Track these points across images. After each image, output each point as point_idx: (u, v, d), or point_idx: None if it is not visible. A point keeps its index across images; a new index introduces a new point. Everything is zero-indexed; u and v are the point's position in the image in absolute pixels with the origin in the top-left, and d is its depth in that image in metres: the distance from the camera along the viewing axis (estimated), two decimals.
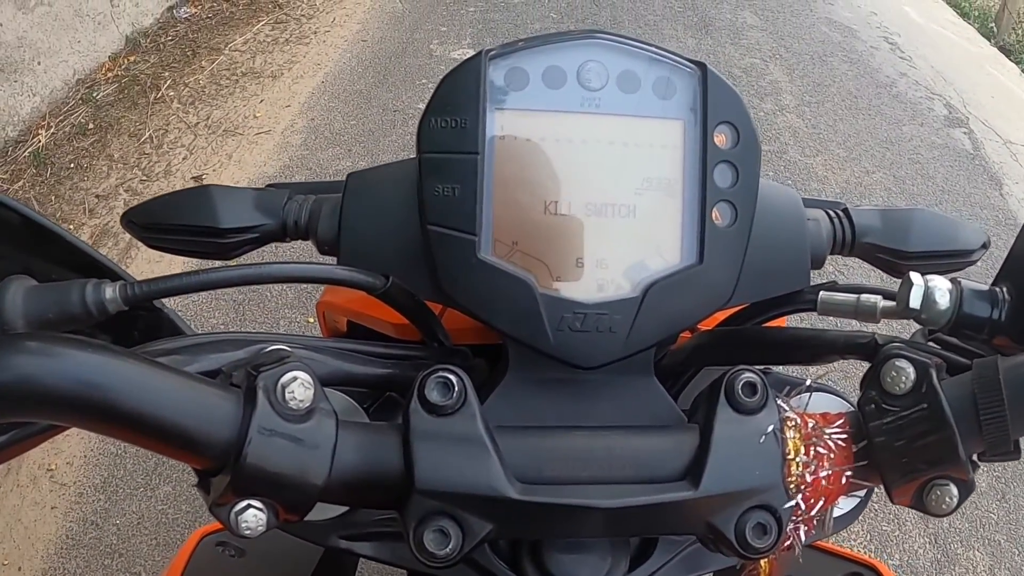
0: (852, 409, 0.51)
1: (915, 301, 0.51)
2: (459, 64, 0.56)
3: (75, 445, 2.25)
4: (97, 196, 3.24)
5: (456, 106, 0.55)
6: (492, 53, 0.56)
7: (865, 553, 1.95)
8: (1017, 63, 4.77)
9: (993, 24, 5.30)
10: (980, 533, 2.08)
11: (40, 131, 3.50)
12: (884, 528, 2.08)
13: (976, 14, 5.43)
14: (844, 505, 0.63)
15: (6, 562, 2.01)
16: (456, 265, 0.55)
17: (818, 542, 0.96)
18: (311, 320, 2.62)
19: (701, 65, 0.57)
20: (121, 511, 2.12)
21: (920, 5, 5.33)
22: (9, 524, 2.09)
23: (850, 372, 2.22)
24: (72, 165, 3.40)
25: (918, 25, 4.97)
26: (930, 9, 5.33)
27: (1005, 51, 4.96)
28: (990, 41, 5.06)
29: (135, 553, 2.03)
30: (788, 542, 0.50)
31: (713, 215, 0.56)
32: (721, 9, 4.88)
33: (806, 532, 0.50)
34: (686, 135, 0.56)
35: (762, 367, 0.68)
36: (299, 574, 0.91)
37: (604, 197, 0.56)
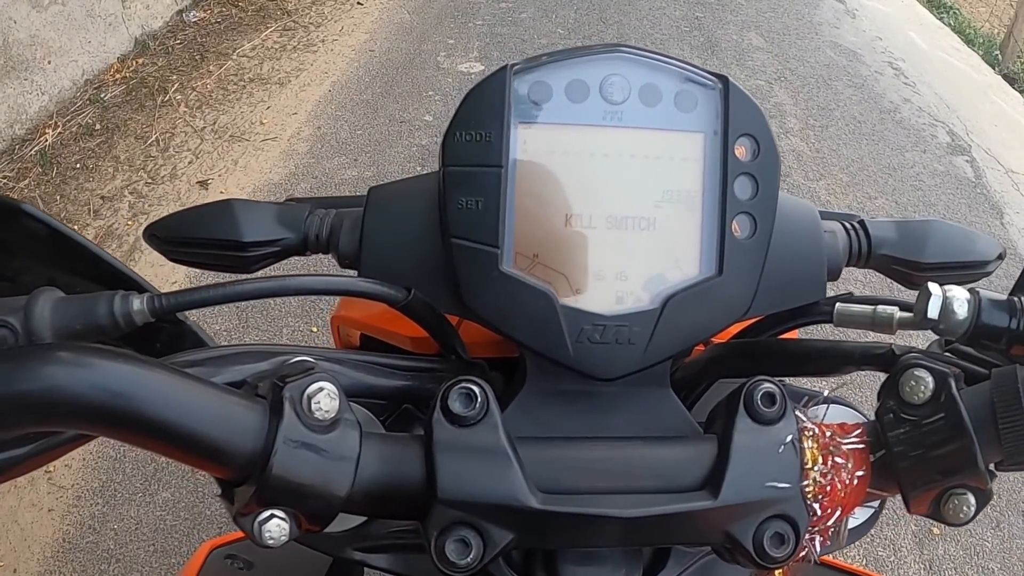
0: (868, 420, 0.52)
1: (933, 311, 0.51)
2: (484, 78, 0.56)
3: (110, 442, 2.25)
4: (102, 197, 3.25)
5: (481, 120, 0.55)
6: (516, 67, 0.56)
7: None
8: (1021, 92, 4.79)
9: (998, 52, 5.33)
10: (974, 560, 2.08)
11: (47, 130, 3.51)
12: (879, 553, 2.08)
13: (981, 41, 5.46)
14: (858, 516, 0.64)
15: (1, 563, 2.00)
16: (478, 277, 0.55)
17: (828, 558, 0.96)
18: (314, 329, 2.62)
19: (723, 78, 0.57)
20: (119, 516, 2.11)
21: (925, 31, 5.36)
22: (5, 525, 2.08)
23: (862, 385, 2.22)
24: (78, 165, 3.40)
25: (923, 51, 4.99)
26: (935, 35, 5.36)
27: (1009, 79, 4.99)
28: (994, 69, 5.09)
29: (132, 559, 2.02)
30: (804, 552, 0.50)
31: (733, 227, 0.56)
32: (727, 30, 4.90)
33: (821, 543, 0.50)
34: (707, 148, 0.57)
35: (778, 379, 0.69)
36: None
37: (624, 210, 0.56)
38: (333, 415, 0.45)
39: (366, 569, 0.69)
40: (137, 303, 0.50)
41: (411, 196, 0.64)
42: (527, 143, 0.56)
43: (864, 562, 2.06)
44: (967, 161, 3.84)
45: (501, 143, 0.55)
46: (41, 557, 2.02)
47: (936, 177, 3.68)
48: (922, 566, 2.06)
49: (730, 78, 0.57)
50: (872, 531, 2.12)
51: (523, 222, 0.56)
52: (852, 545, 2.07)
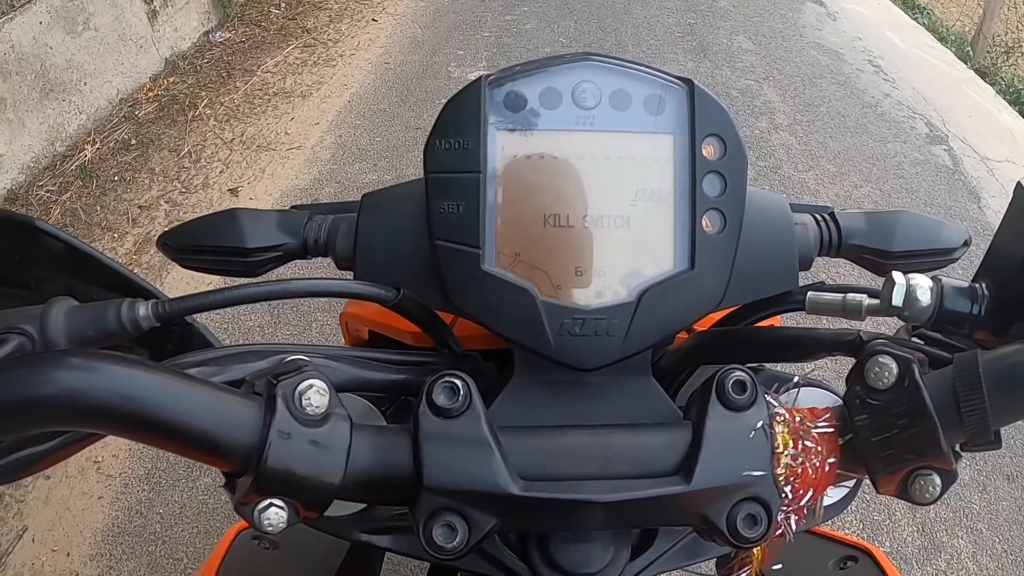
0: (839, 403, 0.51)
1: (898, 299, 0.50)
2: (460, 89, 0.56)
3: (119, 439, 2.25)
4: (140, 207, 3.26)
5: (458, 128, 0.55)
6: (491, 78, 0.56)
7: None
8: (992, 85, 4.74)
9: (969, 48, 5.27)
10: (964, 522, 2.07)
11: (86, 146, 3.52)
12: (875, 517, 2.07)
13: (953, 38, 5.39)
14: (834, 495, 0.63)
15: (56, 548, 2.01)
16: (462, 277, 0.55)
17: (815, 527, 0.95)
18: None
19: (688, 81, 0.57)
20: (164, 500, 2.12)
21: (901, 31, 5.31)
22: (59, 513, 2.10)
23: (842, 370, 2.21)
24: (116, 178, 3.42)
25: (900, 49, 4.94)
26: (910, 34, 5.30)
27: (981, 73, 4.93)
28: (967, 64, 5.03)
29: (177, 540, 2.03)
30: (779, 531, 0.49)
31: (703, 223, 0.55)
32: (718, 35, 4.86)
33: (796, 521, 0.50)
34: (676, 148, 0.56)
35: (754, 364, 0.68)
36: (329, 565, 0.91)
37: (600, 209, 0.56)
38: (324, 410, 0.45)
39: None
40: (143, 309, 0.50)
41: (401, 201, 0.64)
42: (505, 149, 0.55)
43: (861, 526, 2.05)
44: (945, 150, 3.79)
45: (479, 150, 0.55)
46: (92, 541, 2.02)
47: (917, 166, 3.64)
48: (915, 528, 2.05)
49: (695, 81, 0.57)
50: (868, 496, 2.11)
51: (504, 223, 0.55)
52: (849, 510, 2.06)
